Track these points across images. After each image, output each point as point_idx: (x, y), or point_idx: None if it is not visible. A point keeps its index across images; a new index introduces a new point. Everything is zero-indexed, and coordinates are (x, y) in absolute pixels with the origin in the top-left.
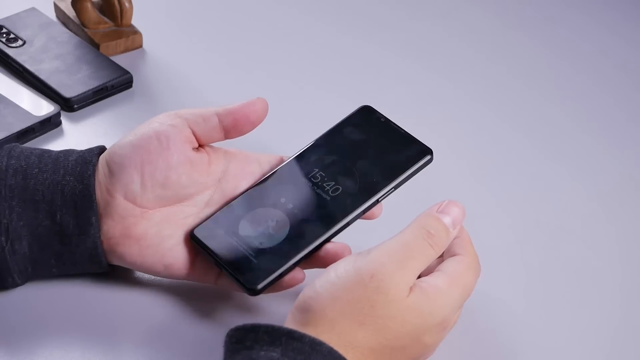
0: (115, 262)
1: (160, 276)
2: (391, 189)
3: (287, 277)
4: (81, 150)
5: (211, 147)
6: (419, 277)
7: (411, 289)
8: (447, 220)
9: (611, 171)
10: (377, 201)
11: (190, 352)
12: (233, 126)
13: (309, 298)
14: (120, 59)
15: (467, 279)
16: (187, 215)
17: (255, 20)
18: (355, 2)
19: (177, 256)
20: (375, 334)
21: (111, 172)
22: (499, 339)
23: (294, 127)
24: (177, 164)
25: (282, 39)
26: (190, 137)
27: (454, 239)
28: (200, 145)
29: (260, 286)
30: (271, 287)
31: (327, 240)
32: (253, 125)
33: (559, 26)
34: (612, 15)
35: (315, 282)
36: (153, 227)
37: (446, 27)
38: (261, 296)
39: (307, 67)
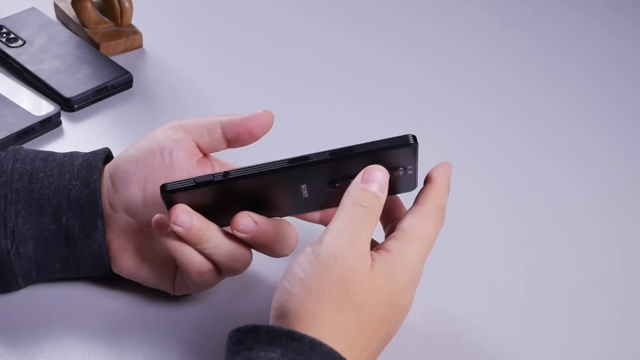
0: (115, 271)
1: (154, 287)
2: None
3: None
4: (85, 154)
5: (216, 160)
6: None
7: (372, 257)
8: (373, 187)
9: (612, 170)
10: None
11: (191, 352)
12: (235, 139)
13: (284, 301)
14: (120, 59)
15: (423, 229)
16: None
17: (255, 20)
18: (355, 3)
19: (163, 272)
20: (357, 314)
21: (115, 187)
22: (499, 336)
23: (294, 126)
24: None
25: (282, 39)
26: (194, 150)
27: (420, 191)
28: (204, 154)
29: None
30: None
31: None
32: (255, 138)
33: (559, 26)
34: (612, 15)
35: (283, 283)
36: (148, 242)
37: (446, 27)
38: (266, 298)
39: (307, 67)
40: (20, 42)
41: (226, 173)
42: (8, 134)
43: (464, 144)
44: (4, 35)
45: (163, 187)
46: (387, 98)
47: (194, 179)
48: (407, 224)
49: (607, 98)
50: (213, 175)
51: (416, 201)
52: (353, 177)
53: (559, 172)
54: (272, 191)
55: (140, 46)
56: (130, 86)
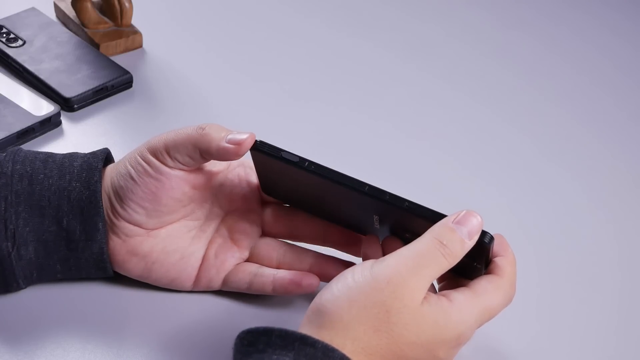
0: (122, 273)
1: (166, 287)
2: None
3: (305, 283)
4: (85, 155)
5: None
6: (445, 289)
7: (426, 298)
8: (463, 231)
9: (612, 171)
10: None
11: (190, 352)
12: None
13: (326, 301)
14: (120, 59)
15: (492, 300)
16: (191, 229)
17: (255, 20)
18: (355, 3)
19: (181, 270)
20: (389, 342)
21: (117, 201)
22: (497, 340)
23: (293, 127)
24: (181, 195)
25: (282, 39)
26: (184, 168)
27: (497, 257)
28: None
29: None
30: (285, 288)
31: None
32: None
33: (559, 26)
34: (612, 15)
35: (331, 285)
36: (159, 244)
37: (446, 27)
38: (267, 302)
39: (307, 67)
40: (20, 42)
41: (310, 163)
42: (8, 134)
43: (464, 145)
44: (4, 35)
45: (254, 145)
46: (387, 99)
47: (281, 151)
48: (480, 287)
49: (607, 98)
50: (299, 157)
51: (494, 271)
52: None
53: (559, 172)
54: (345, 204)
55: (140, 46)
56: (130, 86)
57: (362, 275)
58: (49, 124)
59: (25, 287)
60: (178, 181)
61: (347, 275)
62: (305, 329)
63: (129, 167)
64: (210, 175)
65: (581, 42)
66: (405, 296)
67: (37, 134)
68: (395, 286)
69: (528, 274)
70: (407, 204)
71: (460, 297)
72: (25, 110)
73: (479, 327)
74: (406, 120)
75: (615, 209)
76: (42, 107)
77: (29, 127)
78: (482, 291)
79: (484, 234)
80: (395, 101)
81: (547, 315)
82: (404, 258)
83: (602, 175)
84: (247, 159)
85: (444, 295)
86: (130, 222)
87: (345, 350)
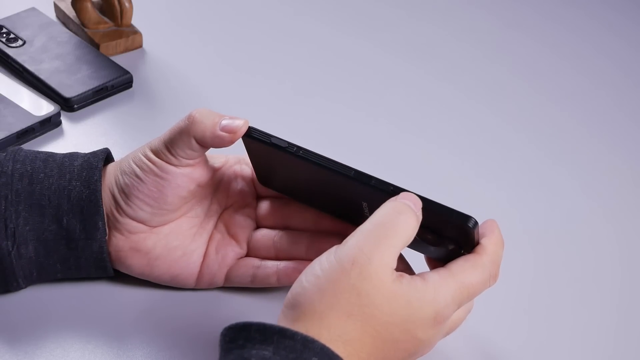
0: (123, 271)
1: (168, 284)
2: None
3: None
4: (85, 154)
5: (214, 160)
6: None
7: (398, 277)
8: (410, 204)
9: (612, 170)
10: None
11: (190, 352)
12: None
13: (297, 294)
14: (120, 59)
15: (470, 278)
16: (192, 226)
17: (255, 20)
18: (355, 2)
19: (184, 266)
20: (364, 325)
21: (123, 198)
22: (497, 340)
23: (293, 126)
24: (187, 193)
25: (282, 39)
26: (188, 163)
27: (482, 238)
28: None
29: None
30: None
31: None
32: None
33: (559, 26)
34: (612, 15)
35: (301, 277)
36: (161, 240)
37: (446, 27)
38: (268, 298)
39: (307, 67)
40: (20, 42)
41: (298, 148)
42: (8, 134)
43: (463, 144)
44: (4, 35)
45: (247, 132)
46: (387, 98)
47: (271, 137)
48: (456, 266)
49: (607, 98)
50: (287, 142)
51: (475, 250)
52: None
53: (559, 171)
54: (335, 191)
55: (140, 46)
56: (130, 86)
57: (327, 262)
58: (49, 124)
59: (25, 287)
60: (184, 179)
61: (314, 264)
62: (282, 324)
63: (134, 165)
64: (212, 171)
65: (581, 42)
66: (373, 275)
67: (37, 134)
68: (360, 266)
69: (527, 273)
70: (392, 187)
71: (435, 276)
72: (25, 110)
73: (458, 306)
74: (406, 119)
75: (615, 208)
76: (42, 107)
77: (29, 127)
78: (459, 270)
79: (467, 218)
80: (395, 100)
81: (548, 315)
82: (363, 235)
83: (602, 175)
84: (244, 155)
85: (418, 276)
86: (134, 219)
87: (322, 340)
